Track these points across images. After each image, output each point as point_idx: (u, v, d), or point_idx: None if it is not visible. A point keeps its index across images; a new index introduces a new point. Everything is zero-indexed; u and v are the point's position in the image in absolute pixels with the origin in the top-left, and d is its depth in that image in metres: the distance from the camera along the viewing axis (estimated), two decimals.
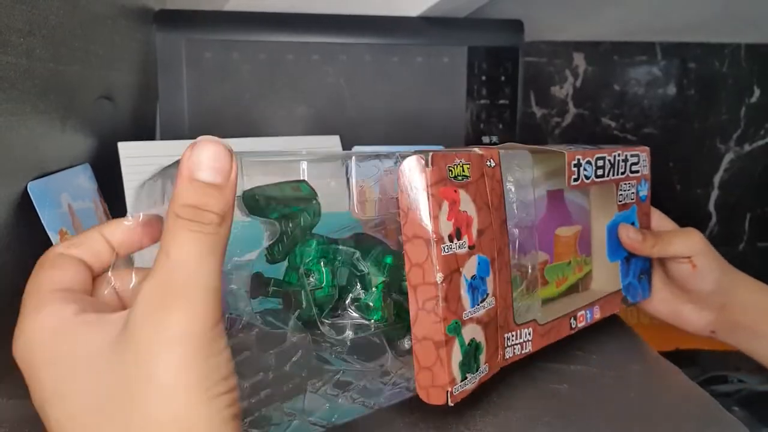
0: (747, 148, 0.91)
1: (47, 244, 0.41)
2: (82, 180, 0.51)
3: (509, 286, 0.39)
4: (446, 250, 0.34)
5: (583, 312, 0.46)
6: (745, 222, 0.93)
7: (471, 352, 0.35)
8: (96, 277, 0.28)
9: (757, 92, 0.90)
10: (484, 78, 0.69)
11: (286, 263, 0.36)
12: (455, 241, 0.34)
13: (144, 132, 0.66)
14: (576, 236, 0.50)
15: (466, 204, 0.35)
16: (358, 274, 0.36)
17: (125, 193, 0.53)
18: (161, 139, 0.66)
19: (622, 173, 0.49)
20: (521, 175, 0.42)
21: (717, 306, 0.50)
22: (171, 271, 0.24)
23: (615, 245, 0.50)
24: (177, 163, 0.26)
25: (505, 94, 0.70)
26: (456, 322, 0.34)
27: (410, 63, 0.67)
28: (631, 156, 0.49)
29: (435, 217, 0.33)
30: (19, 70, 0.40)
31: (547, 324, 0.42)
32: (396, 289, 0.37)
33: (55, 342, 0.24)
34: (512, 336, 0.40)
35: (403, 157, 0.34)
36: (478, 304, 0.36)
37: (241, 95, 0.65)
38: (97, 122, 0.54)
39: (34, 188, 0.44)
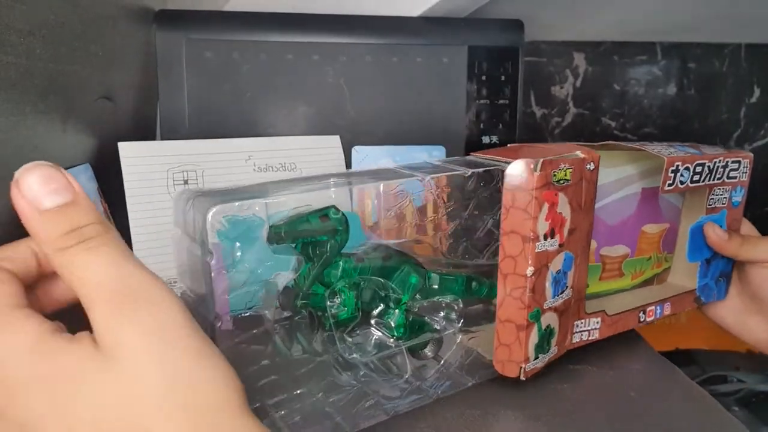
0: (747, 147, 0.91)
1: None
2: (83, 180, 0.51)
3: (585, 277, 0.43)
4: (540, 248, 0.37)
5: (653, 307, 0.48)
6: (751, 219, 0.93)
7: (546, 336, 0.40)
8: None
9: (757, 92, 0.90)
10: (484, 78, 0.69)
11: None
12: (549, 239, 0.38)
13: (144, 132, 0.66)
14: (662, 234, 0.51)
15: (563, 206, 0.39)
16: (383, 294, 0.38)
17: (126, 193, 0.53)
18: (162, 139, 0.66)
19: (719, 179, 0.49)
20: (614, 175, 0.46)
21: None
22: (105, 287, 0.23)
23: (697, 246, 0.50)
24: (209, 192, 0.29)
25: (505, 94, 0.70)
26: (537, 311, 0.38)
27: (410, 63, 0.67)
28: (732, 162, 0.50)
29: (535, 218, 0.37)
30: (18, 70, 0.40)
31: (616, 315, 0.45)
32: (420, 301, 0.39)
33: (34, 362, 0.22)
34: (581, 323, 0.43)
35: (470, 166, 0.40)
36: (558, 295, 0.40)
37: (242, 95, 0.65)
38: (97, 122, 0.54)
39: None
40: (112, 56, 0.56)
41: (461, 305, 0.41)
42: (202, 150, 0.56)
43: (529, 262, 0.37)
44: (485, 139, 0.70)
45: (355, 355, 0.36)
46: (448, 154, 0.67)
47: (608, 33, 0.87)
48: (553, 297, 0.39)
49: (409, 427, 0.36)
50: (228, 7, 0.69)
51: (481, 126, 0.70)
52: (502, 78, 0.69)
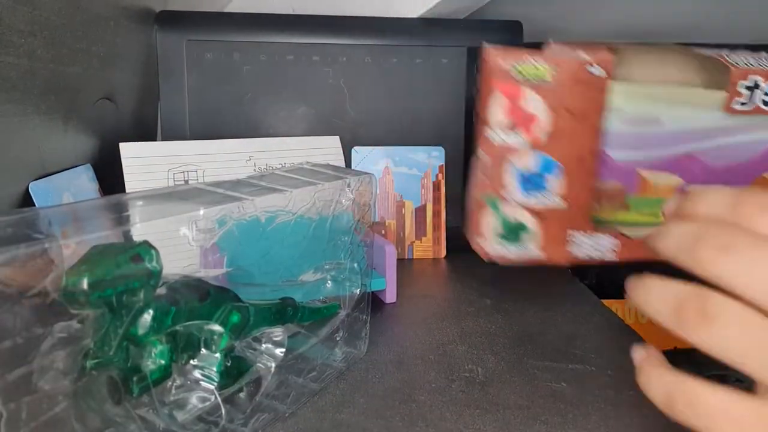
0: None
1: None
2: (84, 180, 0.51)
3: (587, 192, 0.42)
4: (494, 138, 0.39)
5: None
6: None
7: (512, 229, 0.42)
8: None
9: None
10: None
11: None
12: (508, 133, 0.39)
13: (145, 133, 0.66)
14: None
15: (534, 104, 0.38)
16: (200, 337, 0.33)
17: None
18: (162, 139, 0.66)
19: None
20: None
21: None
22: None
23: None
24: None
25: None
26: (494, 198, 0.41)
27: (410, 64, 0.67)
28: None
29: (484, 107, 0.38)
30: (20, 70, 0.41)
31: (639, 240, 0.42)
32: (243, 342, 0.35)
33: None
34: (585, 238, 0.42)
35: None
36: (531, 195, 0.41)
37: (242, 96, 0.65)
38: (98, 123, 0.54)
39: (35, 188, 0.44)
40: (114, 57, 0.56)
41: (284, 335, 0.37)
42: (203, 150, 0.56)
43: (480, 147, 0.39)
44: None
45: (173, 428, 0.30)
46: (447, 155, 0.67)
47: (607, 34, 0.87)
48: (523, 194, 0.41)
49: (409, 425, 0.36)
50: (228, 9, 0.70)
51: None
52: None
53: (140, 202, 0.32)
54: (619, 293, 0.87)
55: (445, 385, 0.40)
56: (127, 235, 0.28)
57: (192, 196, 0.34)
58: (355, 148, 0.65)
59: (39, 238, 0.24)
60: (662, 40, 0.88)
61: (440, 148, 0.67)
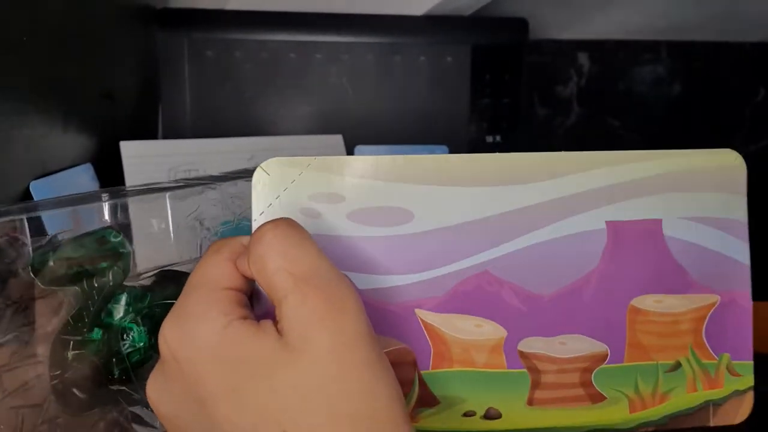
0: (752, 147, 0.90)
1: None
2: (84, 179, 0.51)
3: None
4: None
5: None
6: (750, 222, 0.92)
7: None
8: None
9: (762, 92, 0.89)
10: (487, 77, 0.69)
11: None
12: None
13: (146, 131, 0.66)
14: (702, 314, 0.29)
15: None
16: None
17: None
18: (163, 138, 0.66)
19: None
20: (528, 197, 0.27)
21: None
22: (321, 289, 0.24)
23: None
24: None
25: (508, 93, 0.69)
26: None
27: (413, 62, 0.67)
28: None
29: None
30: (20, 69, 0.40)
31: None
32: None
33: (223, 342, 0.24)
34: None
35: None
36: None
37: (243, 94, 0.65)
38: (98, 122, 0.54)
39: (35, 188, 0.44)
40: (114, 55, 0.55)
41: None
42: (204, 149, 0.56)
43: None
44: (488, 139, 0.70)
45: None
46: (450, 153, 0.67)
47: (612, 32, 0.87)
48: None
49: None
50: (229, 6, 0.69)
51: (484, 125, 0.69)
52: (506, 77, 0.69)
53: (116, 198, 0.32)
54: None
55: None
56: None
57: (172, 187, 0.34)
58: (357, 146, 0.65)
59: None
60: (667, 38, 0.87)
61: (444, 146, 0.67)
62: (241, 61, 0.64)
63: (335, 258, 0.25)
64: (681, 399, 0.28)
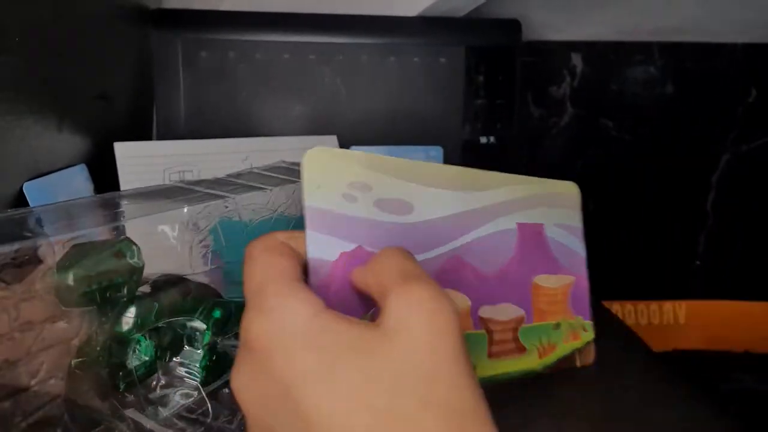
0: (744, 148, 0.91)
1: None
2: (78, 180, 0.51)
3: None
4: None
5: None
6: (743, 222, 0.93)
7: None
8: None
9: (754, 93, 0.90)
10: (481, 78, 0.69)
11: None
12: None
13: (140, 132, 0.66)
14: (566, 290, 0.40)
15: None
16: (183, 333, 0.33)
17: None
18: (157, 139, 0.66)
19: None
20: (468, 203, 0.36)
21: None
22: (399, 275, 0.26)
23: None
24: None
25: (502, 94, 0.70)
26: None
27: (407, 63, 0.67)
28: None
29: None
30: (14, 69, 0.40)
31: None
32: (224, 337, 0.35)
33: (314, 329, 0.24)
34: None
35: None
36: None
37: (238, 95, 0.65)
38: (93, 122, 0.54)
39: (29, 188, 0.43)
40: (108, 56, 0.55)
41: None
42: (199, 150, 0.55)
43: None
44: (482, 139, 0.70)
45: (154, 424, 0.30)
46: (445, 154, 0.67)
47: (605, 33, 0.87)
48: None
49: None
50: (224, 7, 0.69)
51: (479, 126, 0.69)
52: (500, 78, 0.69)
53: (125, 201, 0.32)
54: (619, 294, 0.87)
55: None
56: (114, 234, 0.29)
57: (174, 195, 0.34)
58: (352, 147, 0.65)
59: (28, 236, 0.24)
60: (659, 39, 0.87)
61: (438, 147, 0.67)
62: (235, 61, 0.64)
63: (367, 238, 0.30)
64: (561, 348, 0.39)
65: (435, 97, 0.68)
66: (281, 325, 0.25)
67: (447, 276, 0.34)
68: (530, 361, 0.38)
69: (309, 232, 0.29)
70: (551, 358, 0.39)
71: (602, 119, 0.89)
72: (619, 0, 0.83)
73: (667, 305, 0.83)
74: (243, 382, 0.26)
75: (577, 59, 0.88)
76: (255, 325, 0.25)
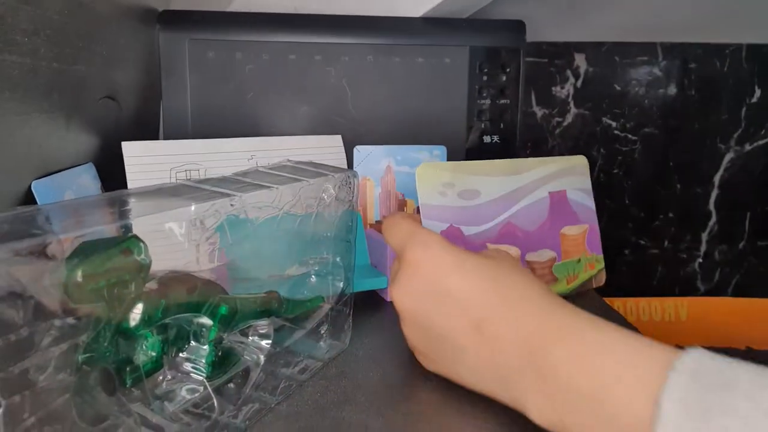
0: (747, 147, 0.91)
1: None
2: (86, 179, 0.51)
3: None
4: None
5: None
6: (746, 221, 0.93)
7: None
8: None
9: (757, 92, 0.90)
10: (485, 78, 0.69)
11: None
12: None
13: (147, 132, 0.66)
14: (583, 235, 0.55)
15: None
16: (189, 329, 0.34)
17: None
18: (164, 138, 0.66)
19: None
20: (516, 182, 0.51)
21: None
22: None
23: None
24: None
25: (506, 94, 0.70)
26: None
27: (412, 63, 0.67)
28: None
29: None
30: (23, 69, 0.41)
31: None
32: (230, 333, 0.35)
33: (447, 246, 0.37)
34: None
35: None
36: None
37: (244, 95, 0.65)
38: (100, 122, 0.55)
39: (38, 187, 0.44)
40: (116, 56, 0.56)
41: (270, 327, 0.37)
42: (205, 149, 0.56)
43: None
44: (486, 139, 0.70)
45: (162, 418, 0.31)
46: (449, 154, 0.67)
47: (609, 33, 0.87)
48: None
49: (407, 420, 0.36)
50: (231, 8, 0.70)
51: (483, 126, 0.70)
52: (504, 78, 0.70)
53: (133, 199, 0.33)
54: (622, 292, 0.87)
55: (448, 383, 0.40)
56: (122, 231, 0.29)
57: (181, 193, 0.34)
58: (357, 147, 0.66)
59: (37, 233, 0.25)
60: (662, 40, 0.88)
61: (442, 147, 0.67)
62: (241, 62, 0.65)
63: (453, 218, 0.48)
64: (582, 276, 0.55)
65: (439, 97, 0.68)
66: (429, 245, 0.37)
67: (503, 236, 0.50)
68: (561, 287, 0.53)
69: (423, 219, 0.45)
70: (575, 283, 0.54)
71: (605, 119, 0.90)
72: (623, 0, 0.83)
73: (669, 302, 0.83)
74: (402, 286, 0.38)
75: (580, 59, 0.88)
76: (411, 250, 0.38)
